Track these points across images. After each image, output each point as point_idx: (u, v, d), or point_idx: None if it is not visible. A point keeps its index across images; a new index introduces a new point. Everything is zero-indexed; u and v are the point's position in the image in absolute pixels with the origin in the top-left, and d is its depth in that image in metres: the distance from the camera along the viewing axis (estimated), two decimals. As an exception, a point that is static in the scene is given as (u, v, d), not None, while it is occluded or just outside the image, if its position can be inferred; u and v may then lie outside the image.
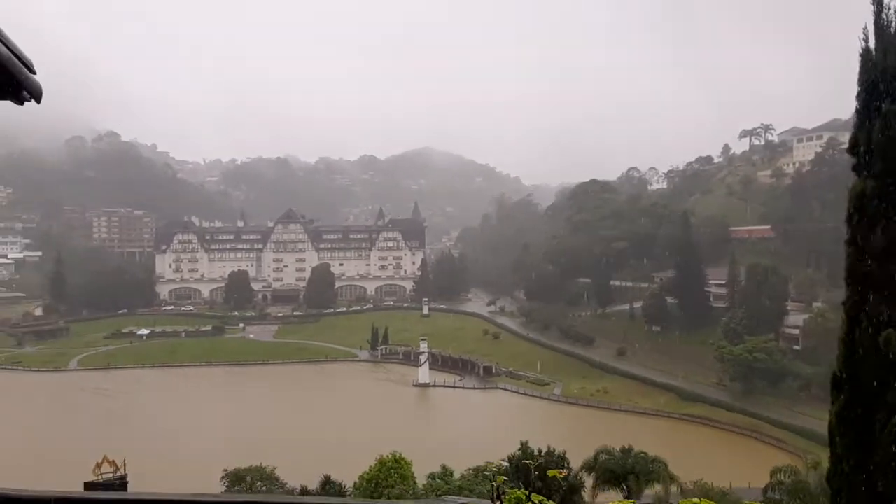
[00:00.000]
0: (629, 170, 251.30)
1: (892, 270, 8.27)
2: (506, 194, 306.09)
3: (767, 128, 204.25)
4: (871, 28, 8.55)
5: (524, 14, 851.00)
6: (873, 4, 8.52)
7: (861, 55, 8.62)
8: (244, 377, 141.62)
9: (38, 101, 4.42)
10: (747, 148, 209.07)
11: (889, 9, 8.48)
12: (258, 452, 64.29)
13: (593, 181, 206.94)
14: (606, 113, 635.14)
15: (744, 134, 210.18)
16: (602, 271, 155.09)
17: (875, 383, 8.27)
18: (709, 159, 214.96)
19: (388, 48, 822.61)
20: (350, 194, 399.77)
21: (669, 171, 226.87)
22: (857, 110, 8.71)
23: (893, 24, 8.46)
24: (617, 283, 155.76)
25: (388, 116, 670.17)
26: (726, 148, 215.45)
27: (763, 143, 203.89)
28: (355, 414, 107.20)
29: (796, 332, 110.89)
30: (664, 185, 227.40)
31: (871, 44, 8.57)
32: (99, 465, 55.74)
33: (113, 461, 56.56)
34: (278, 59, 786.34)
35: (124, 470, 52.79)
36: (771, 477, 50.65)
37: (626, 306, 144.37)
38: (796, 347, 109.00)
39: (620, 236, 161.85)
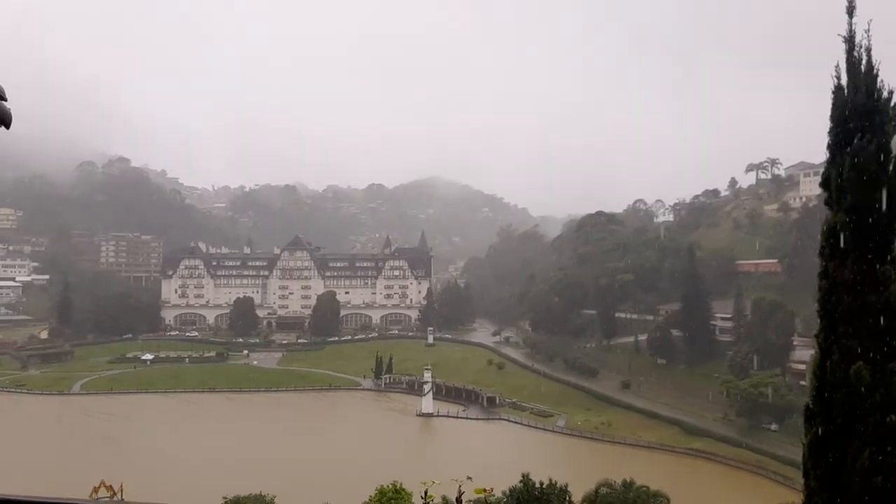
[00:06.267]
0: (635, 202, 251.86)
1: (862, 303, 8.36)
2: (512, 225, 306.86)
3: (774, 162, 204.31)
4: (843, 66, 8.75)
5: (531, 48, 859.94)
6: (845, 42, 8.71)
7: (833, 92, 8.79)
8: (247, 404, 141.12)
9: (7, 126, 4.58)
10: (754, 182, 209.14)
11: (860, 47, 8.66)
12: (259, 480, 63.97)
13: (599, 213, 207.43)
14: (614, 146, 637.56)
15: (750, 168, 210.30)
16: (607, 303, 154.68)
17: (846, 416, 8.32)
18: (715, 193, 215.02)
19: (398, 78, 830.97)
20: (357, 222, 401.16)
21: (676, 204, 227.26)
22: (829, 146, 8.86)
23: (864, 61, 8.65)
24: (622, 315, 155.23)
25: (396, 145, 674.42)
26: (733, 182, 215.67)
27: (770, 177, 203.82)
28: (357, 442, 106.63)
29: (803, 367, 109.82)
30: (670, 217, 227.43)
31: (843, 81, 8.76)
32: (96, 490, 55.75)
33: (110, 486, 56.51)
34: (288, 88, 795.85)
35: (121, 495, 52.73)
36: (773, 514, 50.08)
37: (632, 339, 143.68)
38: (803, 383, 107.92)
39: (626, 268, 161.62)
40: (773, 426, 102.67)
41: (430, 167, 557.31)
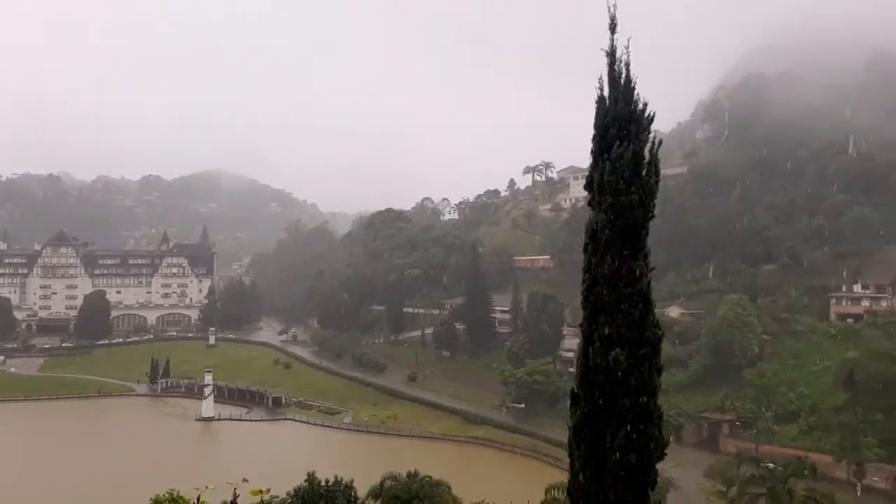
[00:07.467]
0: (423, 200, 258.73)
1: (619, 295, 9.22)
2: (301, 221, 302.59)
3: (548, 165, 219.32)
4: (605, 78, 9.59)
5: (326, 43, 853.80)
6: (607, 56, 9.53)
7: (597, 102, 9.61)
8: (4, 414, 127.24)
9: None
10: (531, 183, 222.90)
11: (621, 61, 9.53)
12: (17, 496, 57.88)
13: (389, 210, 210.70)
14: (405, 145, 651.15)
15: (527, 170, 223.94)
16: (396, 299, 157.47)
17: (606, 399, 9.13)
18: (496, 193, 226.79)
19: (176, 63, 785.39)
20: (131, 216, 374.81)
21: (460, 203, 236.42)
22: (592, 152, 9.67)
23: (623, 75, 9.52)
24: (410, 310, 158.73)
25: (175, 135, 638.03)
26: (512, 183, 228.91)
27: (544, 179, 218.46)
28: (130, 451, 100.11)
29: (571, 354, 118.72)
30: (456, 215, 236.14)
31: (606, 92, 9.59)
32: None
33: None
34: (54, 71, 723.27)
35: None
36: (546, 494, 53.64)
37: (419, 333, 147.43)
38: (572, 370, 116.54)
39: (414, 264, 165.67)
40: (520, 404, 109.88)
41: (213, 159, 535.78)
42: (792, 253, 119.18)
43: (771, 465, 61.04)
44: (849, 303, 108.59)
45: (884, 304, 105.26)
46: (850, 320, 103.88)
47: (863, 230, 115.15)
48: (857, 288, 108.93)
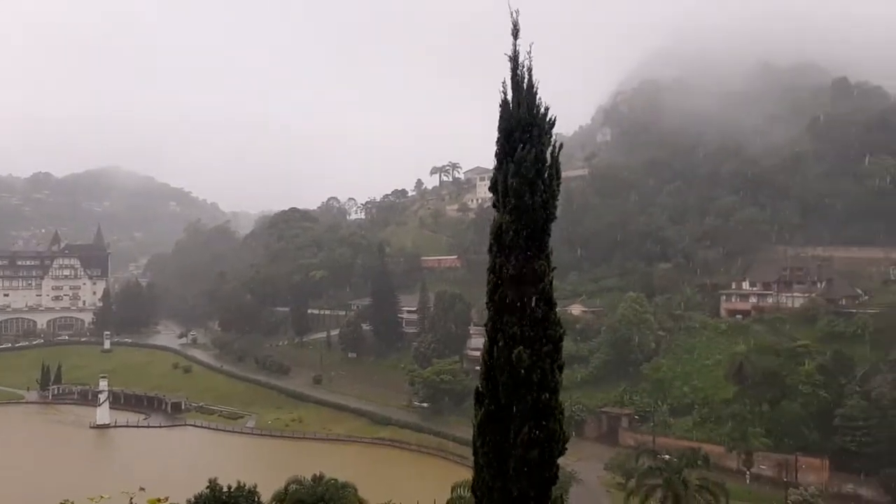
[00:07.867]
0: (329, 199, 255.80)
1: (523, 294, 9.43)
2: (201, 220, 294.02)
3: (455, 166, 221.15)
4: (509, 82, 9.77)
5: (222, 41, 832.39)
6: (510, 61, 9.72)
7: (501, 106, 9.79)
8: None
9: None
10: (438, 184, 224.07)
11: (523, 66, 9.74)
12: None
13: (293, 209, 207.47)
14: (309, 144, 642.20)
15: (434, 170, 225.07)
16: (300, 300, 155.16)
17: (509, 396, 9.32)
18: (403, 193, 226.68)
19: (65, 54, 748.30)
20: (19, 215, 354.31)
21: (367, 203, 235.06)
22: (497, 154, 9.86)
23: (526, 80, 9.73)
24: (315, 311, 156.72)
25: (65, 131, 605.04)
26: (419, 183, 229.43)
27: (451, 179, 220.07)
28: (20, 462, 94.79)
29: (478, 353, 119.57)
30: (362, 215, 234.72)
31: (510, 96, 9.78)
32: None
33: None
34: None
35: None
36: (452, 492, 54.09)
37: (324, 334, 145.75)
38: (479, 368, 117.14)
39: (320, 265, 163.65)
40: (425, 403, 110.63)
41: (108, 156, 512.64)
42: (685, 252, 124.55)
43: (667, 456, 63.49)
44: (738, 300, 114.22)
45: (769, 300, 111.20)
46: (738, 316, 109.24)
47: (750, 230, 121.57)
48: (745, 285, 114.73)
